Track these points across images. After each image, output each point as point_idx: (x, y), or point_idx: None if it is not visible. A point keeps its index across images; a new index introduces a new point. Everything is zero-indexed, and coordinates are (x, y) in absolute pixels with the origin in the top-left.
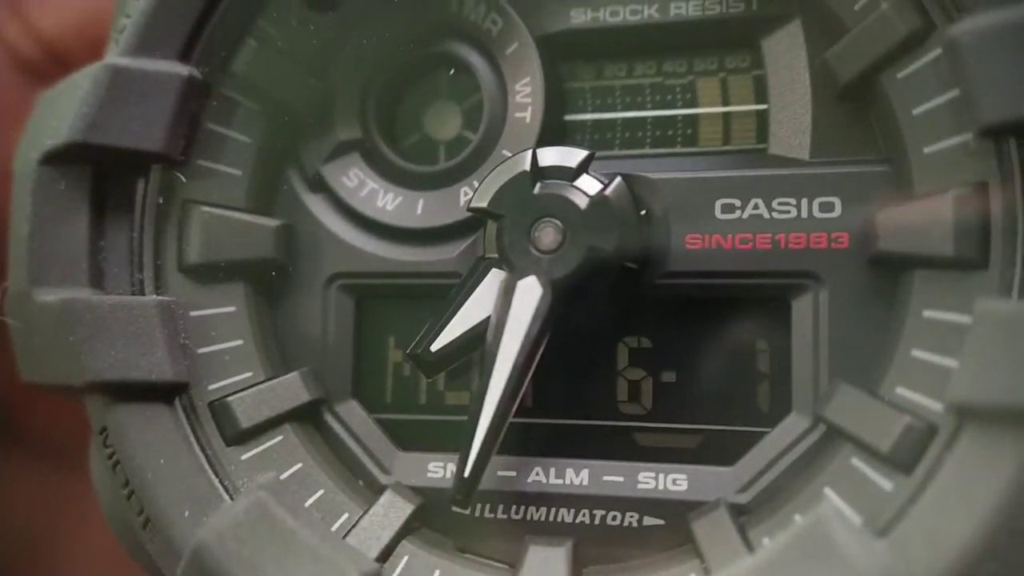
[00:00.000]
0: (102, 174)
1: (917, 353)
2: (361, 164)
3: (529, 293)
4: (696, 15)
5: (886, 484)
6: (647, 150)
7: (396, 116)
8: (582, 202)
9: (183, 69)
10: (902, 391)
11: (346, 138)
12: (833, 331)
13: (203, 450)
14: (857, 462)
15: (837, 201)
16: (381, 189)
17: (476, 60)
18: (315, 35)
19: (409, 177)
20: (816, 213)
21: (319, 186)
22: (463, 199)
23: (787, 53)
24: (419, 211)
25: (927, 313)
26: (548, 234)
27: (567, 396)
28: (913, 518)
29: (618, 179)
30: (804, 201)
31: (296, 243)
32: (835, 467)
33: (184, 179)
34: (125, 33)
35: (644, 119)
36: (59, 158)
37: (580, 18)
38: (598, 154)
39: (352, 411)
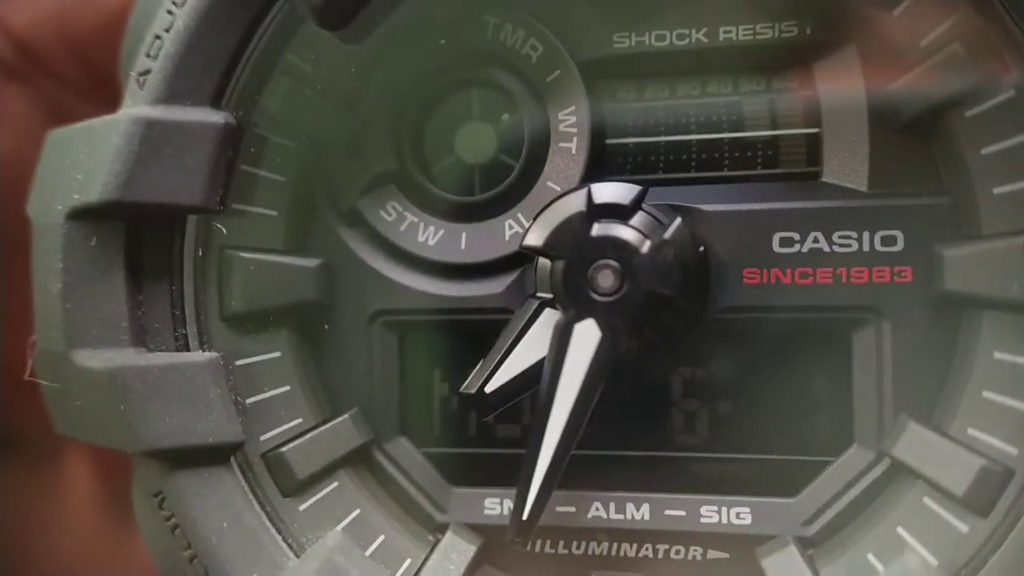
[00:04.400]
0: (136, 227)
1: (988, 395)
2: (399, 196)
3: (587, 336)
4: (747, 39)
5: (961, 527)
6: (692, 174)
7: (430, 144)
8: (642, 246)
9: (218, 116)
10: (974, 432)
11: (381, 170)
12: (896, 365)
13: (263, 507)
14: (929, 502)
15: (900, 235)
16: (421, 222)
17: (516, 87)
18: (344, 67)
19: (449, 208)
20: (878, 247)
21: (356, 221)
22: (508, 232)
23: (841, 78)
24: (463, 245)
25: (998, 355)
26: (607, 277)
27: (622, 428)
28: (996, 566)
29: (677, 220)
30: (865, 234)
31: (336, 282)
32: (906, 506)
33: (224, 229)
34: (151, 79)
35: (689, 142)
36: (90, 215)
37: (624, 43)
38: (641, 178)
39: (401, 448)
